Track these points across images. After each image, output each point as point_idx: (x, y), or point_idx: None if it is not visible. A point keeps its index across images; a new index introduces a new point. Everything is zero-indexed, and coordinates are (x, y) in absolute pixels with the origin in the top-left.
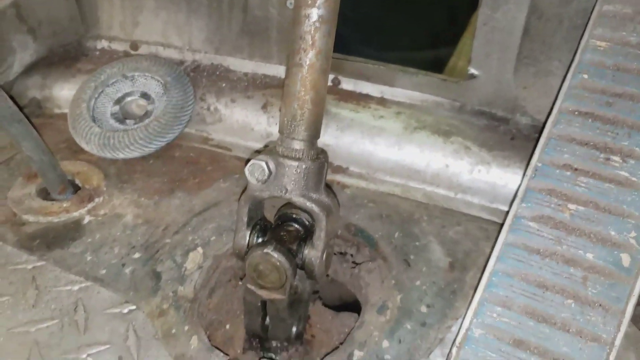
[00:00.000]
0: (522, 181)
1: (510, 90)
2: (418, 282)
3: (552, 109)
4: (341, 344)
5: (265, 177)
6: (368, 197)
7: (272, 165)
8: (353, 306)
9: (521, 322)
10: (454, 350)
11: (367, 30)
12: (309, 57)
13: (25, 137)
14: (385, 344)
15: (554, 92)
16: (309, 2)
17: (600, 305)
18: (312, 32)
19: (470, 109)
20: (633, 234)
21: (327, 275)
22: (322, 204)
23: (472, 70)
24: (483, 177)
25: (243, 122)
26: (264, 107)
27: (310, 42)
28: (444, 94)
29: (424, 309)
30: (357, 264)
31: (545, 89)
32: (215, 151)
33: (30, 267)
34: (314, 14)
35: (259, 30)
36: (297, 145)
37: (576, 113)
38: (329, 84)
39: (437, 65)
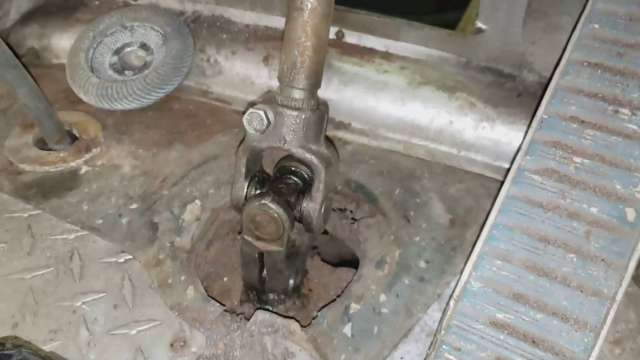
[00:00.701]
0: (526, 133)
1: (517, 46)
2: (417, 238)
3: (560, 59)
4: (338, 296)
5: (264, 127)
6: (369, 153)
7: (270, 115)
8: (351, 263)
9: (521, 275)
10: (452, 303)
11: None
12: (311, 1)
13: (21, 83)
14: (383, 297)
15: (563, 47)
16: None
17: (602, 259)
18: None
19: (477, 65)
20: (639, 188)
21: (326, 232)
22: (321, 156)
23: (480, 24)
24: (487, 134)
25: (243, 75)
26: (265, 59)
27: None
28: (450, 49)
29: (422, 264)
30: (356, 220)
31: (553, 44)
32: (215, 104)
33: (26, 215)
34: None
35: None
36: (297, 94)
37: (585, 64)
38: (332, 37)
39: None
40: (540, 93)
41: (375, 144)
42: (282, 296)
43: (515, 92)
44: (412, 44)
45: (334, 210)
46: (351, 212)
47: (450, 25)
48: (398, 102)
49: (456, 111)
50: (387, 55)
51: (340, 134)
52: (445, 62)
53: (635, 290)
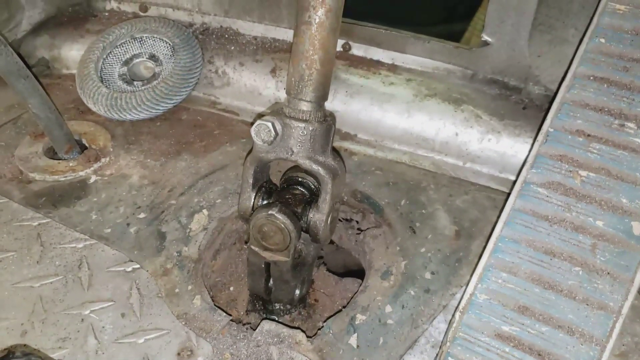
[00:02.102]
0: (532, 147)
1: (524, 58)
2: (423, 249)
3: (566, 73)
4: (344, 307)
5: (272, 138)
6: (375, 164)
7: (278, 126)
8: (357, 273)
9: (527, 288)
10: (457, 315)
11: (380, 3)
12: (319, 15)
13: (31, 93)
14: (389, 308)
15: (569, 61)
16: None
17: (608, 273)
18: None
19: (483, 78)
20: None
21: (332, 242)
22: (328, 167)
23: (486, 37)
24: (493, 146)
25: (251, 86)
26: (273, 71)
27: (320, 0)
28: (456, 62)
29: (428, 275)
30: (362, 230)
31: (560, 57)
32: (223, 115)
33: (35, 224)
34: None
35: None
36: (305, 106)
37: (591, 78)
38: (340, 49)
39: (452, 40)
40: (546, 106)
41: (382, 155)
42: (288, 306)
43: (521, 104)
44: (418, 56)
45: (340, 220)
46: (357, 222)
47: (457, 35)
48: (404, 114)
49: (462, 123)
50: (393, 68)
51: (347, 144)
52: (451, 75)
53: None
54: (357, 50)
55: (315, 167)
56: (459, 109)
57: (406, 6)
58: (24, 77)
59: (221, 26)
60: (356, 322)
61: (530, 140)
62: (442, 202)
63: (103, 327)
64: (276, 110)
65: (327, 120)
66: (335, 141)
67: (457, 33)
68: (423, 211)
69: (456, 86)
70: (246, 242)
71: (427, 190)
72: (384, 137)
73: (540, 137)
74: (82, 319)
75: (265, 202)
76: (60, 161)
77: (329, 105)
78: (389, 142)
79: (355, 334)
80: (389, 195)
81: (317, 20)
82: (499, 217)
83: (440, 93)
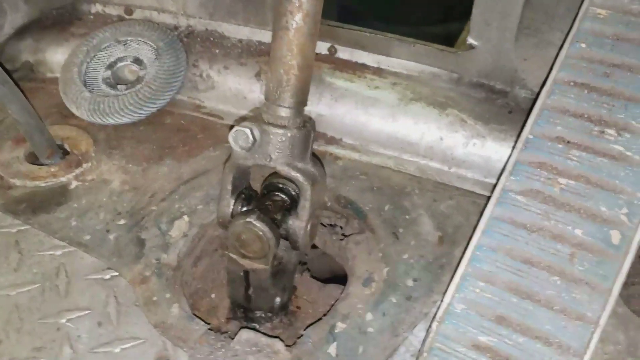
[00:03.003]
0: (511, 153)
1: (509, 62)
2: (406, 256)
3: (546, 79)
4: (325, 315)
5: (250, 145)
6: (360, 169)
7: (256, 133)
8: (343, 278)
9: (504, 298)
10: (434, 325)
11: (377, 4)
12: (296, 20)
13: (11, 99)
14: (369, 316)
15: None
16: None
17: (586, 283)
18: None
19: (468, 81)
20: (624, 210)
21: (316, 247)
22: (307, 174)
23: (471, 41)
24: (478, 150)
25: (236, 90)
26: (258, 74)
27: (297, 4)
28: (441, 65)
29: (410, 282)
30: (346, 236)
31: (546, 60)
32: (207, 119)
33: (14, 230)
34: None
35: None
36: (283, 112)
37: (572, 84)
38: (325, 52)
39: (449, 40)
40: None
41: (367, 159)
42: (269, 314)
43: (507, 108)
44: (403, 59)
45: (324, 225)
46: (341, 227)
47: (454, 35)
48: (389, 118)
49: (447, 127)
50: (378, 71)
51: (332, 149)
52: (436, 78)
53: (625, 311)
54: (343, 53)
55: (294, 174)
56: (444, 113)
57: (403, 6)
58: (2, 82)
59: (206, 29)
60: (336, 331)
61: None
62: (426, 207)
63: (79, 336)
64: (254, 116)
65: (306, 126)
66: (320, 145)
67: (455, 33)
68: (407, 217)
69: (442, 90)
70: (227, 248)
71: (412, 195)
72: (369, 142)
73: (519, 144)
74: (58, 328)
75: (244, 208)
76: (42, 166)
77: (314, 108)
78: (374, 146)
79: (335, 343)
80: (373, 201)
81: (294, 25)
82: (477, 224)
83: (426, 97)
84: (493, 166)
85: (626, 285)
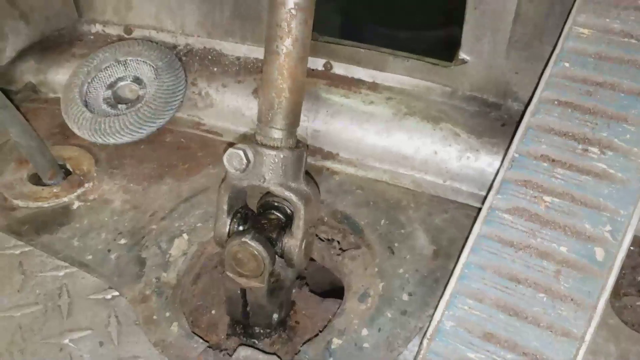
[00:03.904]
0: (498, 172)
1: (501, 75)
2: (401, 270)
3: (531, 98)
4: (321, 331)
5: (244, 166)
6: (356, 183)
7: (250, 154)
8: (342, 291)
9: (492, 315)
10: (425, 342)
11: (376, 8)
12: (286, 45)
13: (12, 123)
14: (365, 332)
15: None
16: None
17: (572, 299)
18: (288, 19)
19: (462, 94)
20: (608, 227)
21: (314, 260)
22: (300, 193)
23: (463, 56)
24: (471, 163)
25: (234, 107)
26: (255, 92)
27: (287, 30)
28: (435, 79)
29: (405, 297)
30: (343, 250)
31: (537, 73)
32: (206, 136)
33: (17, 252)
34: (290, 1)
35: (250, 14)
36: (276, 134)
37: (556, 102)
38: (321, 68)
39: (449, 44)
40: None
41: (363, 173)
42: (268, 330)
43: (500, 121)
44: (398, 74)
45: (321, 240)
46: (338, 242)
47: (453, 39)
48: (384, 133)
49: (440, 141)
50: (373, 86)
51: (329, 163)
52: (430, 92)
53: (617, 322)
54: (339, 69)
55: (287, 194)
56: (438, 127)
57: (404, 11)
58: (3, 107)
59: (204, 47)
60: (332, 347)
61: None
62: (421, 221)
63: (81, 356)
64: (248, 138)
65: (299, 146)
66: (317, 160)
67: (454, 37)
68: (402, 231)
69: (435, 104)
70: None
71: (407, 209)
72: (365, 156)
73: (505, 163)
74: (61, 348)
75: (241, 227)
76: (44, 187)
77: (310, 124)
78: (370, 160)
79: (331, 359)
80: (369, 215)
81: (284, 50)
82: (465, 242)
83: (420, 111)
84: (487, 179)
85: (618, 296)
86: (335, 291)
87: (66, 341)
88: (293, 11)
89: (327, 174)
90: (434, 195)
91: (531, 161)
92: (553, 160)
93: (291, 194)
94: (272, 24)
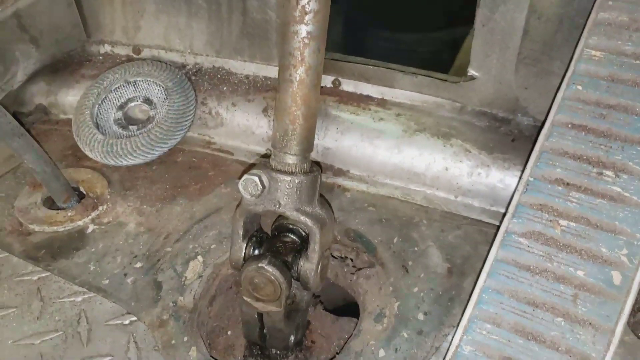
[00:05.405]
0: (513, 196)
1: (511, 91)
2: (416, 289)
3: (544, 121)
4: (338, 353)
5: (259, 192)
6: (368, 200)
7: (265, 180)
8: (356, 306)
9: (510, 339)
10: None
11: (381, 11)
12: (299, 74)
13: (26, 150)
14: (382, 353)
15: (555, 91)
16: (297, 18)
17: (590, 323)
18: (301, 48)
19: (471, 110)
20: (625, 251)
21: (327, 279)
22: (315, 217)
23: (472, 72)
24: (483, 179)
25: (244, 126)
26: (265, 110)
27: (300, 59)
28: (444, 95)
29: (421, 316)
30: (358, 269)
31: (547, 89)
32: (217, 155)
33: (35, 278)
34: (303, 30)
35: (258, 33)
36: (290, 159)
37: (569, 125)
38: (329, 85)
39: (454, 45)
40: (534, 136)
41: (374, 190)
42: (285, 351)
43: (510, 136)
44: (407, 90)
45: (335, 258)
46: (352, 260)
47: (458, 41)
48: (394, 150)
49: (451, 158)
50: (382, 103)
51: (340, 180)
52: (440, 108)
53: (633, 339)
54: (347, 85)
55: (302, 218)
56: (448, 143)
57: (408, 13)
58: (19, 135)
59: (213, 66)
60: None
61: (519, 173)
62: (434, 238)
63: None
64: (262, 164)
65: (313, 171)
66: (328, 177)
67: (460, 37)
68: (415, 249)
69: (445, 119)
70: (240, 287)
71: (420, 226)
72: (376, 173)
73: (520, 187)
74: None
75: (256, 251)
76: (59, 211)
77: (320, 142)
78: (381, 177)
79: None
80: (382, 233)
81: (297, 78)
82: (482, 267)
83: (430, 127)
84: (498, 194)
85: (633, 312)
86: (347, 307)
87: None
88: (306, 40)
89: (338, 191)
90: (446, 211)
91: (546, 185)
92: (568, 184)
93: (306, 219)
94: (285, 53)
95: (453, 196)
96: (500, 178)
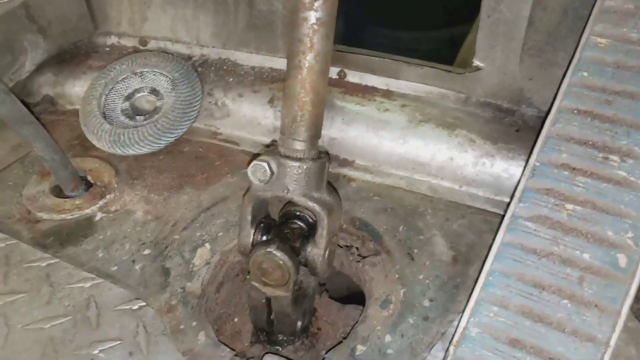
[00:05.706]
0: (519, 181)
1: (515, 82)
2: (421, 276)
3: (551, 107)
4: (344, 338)
5: (268, 178)
6: (373, 190)
7: (273, 166)
8: (360, 295)
9: (517, 321)
10: (451, 348)
11: (381, 8)
12: (308, 60)
13: (36, 138)
14: (388, 338)
15: (559, 82)
16: (307, 4)
17: (596, 305)
18: (311, 34)
19: (476, 101)
20: (630, 234)
21: (333, 267)
22: (323, 203)
23: (477, 63)
24: (487, 169)
25: (250, 117)
26: (271, 101)
27: (309, 45)
28: (449, 86)
29: (426, 303)
30: (363, 257)
31: (551, 79)
32: (224, 145)
33: (44, 264)
34: (312, 16)
35: (264, 24)
36: (298, 145)
37: (575, 111)
38: (335, 76)
39: (453, 43)
40: (539, 127)
41: (379, 180)
42: (292, 337)
43: (515, 127)
44: (412, 81)
45: (340, 247)
46: (357, 249)
47: (458, 39)
48: (400, 140)
49: (456, 148)
50: (388, 94)
51: (345, 171)
52: (444, 99)
53: (636, 325)
54: (352, 77)
55: (310, 204)
56: (453, 133)
57: (408, 12)
58: (28, 123)
59: (219, 57)
60: (357, 353)
61: (524, 163)
62: (439, 226)
63: None
64: (271, 150)
65: (321, 157)
66: (334, 168)
67: (460, 36)
68: (421, 237)
69: (450, 110)
70: (249, 272)
71: (425, 215)
72: (381, 163)
73: (526, 172)
74: (92, 359)
75: (264, 237)
76: (67, 199)
77: (326, 132)
78: (387, 167)
79: None
80: (387, 222)
81: (307, 64)
82: (489, 250)
83: (435, 118)
84: (503, 184)
85: (636, 299)
86: (353, 296)
87: (96, 352)
88: (315, 26)
89: (344, 181)
90: (450, 201)
91: (552, 170)
92: (574, 169)
93: (314, 204)
94: (294, 40)
95: (458, 186)
96: (505, 168)
